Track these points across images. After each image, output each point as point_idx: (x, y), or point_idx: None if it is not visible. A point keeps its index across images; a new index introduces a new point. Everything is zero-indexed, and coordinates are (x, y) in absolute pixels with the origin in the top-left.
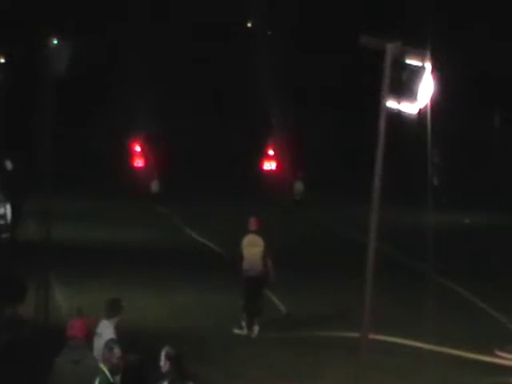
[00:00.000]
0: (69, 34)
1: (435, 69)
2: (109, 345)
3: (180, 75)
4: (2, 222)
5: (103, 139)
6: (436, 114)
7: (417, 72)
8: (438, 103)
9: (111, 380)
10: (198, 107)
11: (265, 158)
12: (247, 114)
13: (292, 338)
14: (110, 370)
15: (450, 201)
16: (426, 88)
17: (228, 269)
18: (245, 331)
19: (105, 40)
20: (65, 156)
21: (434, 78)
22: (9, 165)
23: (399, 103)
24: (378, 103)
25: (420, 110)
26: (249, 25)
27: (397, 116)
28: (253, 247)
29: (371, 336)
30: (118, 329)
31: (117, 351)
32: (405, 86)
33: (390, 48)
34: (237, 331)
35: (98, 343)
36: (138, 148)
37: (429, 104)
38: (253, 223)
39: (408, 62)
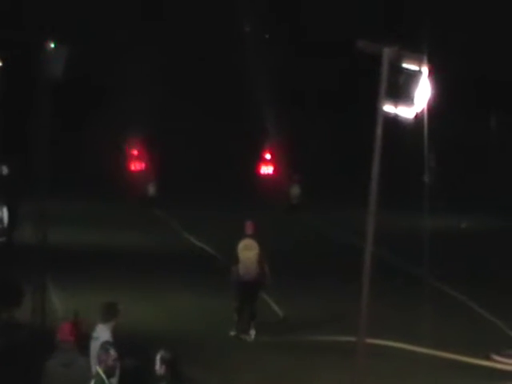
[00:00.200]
0: (65, 37)
1: (432, 72)
2: (105, 346)
3: (177, 78)
4: None
5: (99, 142)
6: (432, 117)
7: (414, 76)
8: (434, 107)
9: (106, 382)
10: (195, 110)
11: (261, 161)
12: (244, 118)
13: (288, 342)
14: (105, 372)
15: (446, 205)
16: (423, 92)
17: (225, 273)
18: (233, 333)
19: (100, 44)
20: (61, 159)
21: (430, 82)
22: (4, 170)
23: (396, 107)
24: (374, 107)
25: (417, 114)
26: (246, 28)
27: (394, 120)
28: (248, 251)
29: (367, 340)
30: (114, 332)
31: (112, 353)
32: (402, 91)
33: (387, 52)
34: (233, 333)
35: (95, 347)
36: (134, 151)
37: (426, 108)
38: (249, 227)
39: (405, 66)
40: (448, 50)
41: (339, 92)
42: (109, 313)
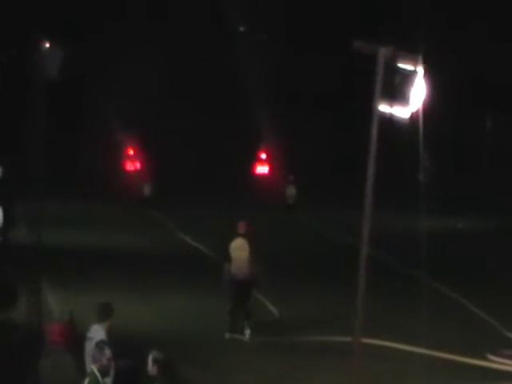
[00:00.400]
0: (61, 37)
1: (427, 72)
2: (99, 345)
3: (173, 79)
4: None
5: (95, 142)
6: (428, 117)
7: (409, 76)
8: (430, 107)
9: (100, 380)
10: (191, 110)
11: (257, 161)
12: (240, 118)
13: (284, 343)
14: (99, 371)
15: (442, 205)
16: (418, 92)
17: (220, 273)
18: (228, 335)
19: (96, 43)
20: (57, 160)
21: (426, 82)
22: None
23: (392, 107)
24: (370, 107)
25: (412, 113)
26: (241, 28)
27: (389, 120)
28: (240, 251)
29: (365, 340)
30: (109, 333)
31: (107, 352)
32: (397, 90)
33: (383, 52)
34: (228, 336)
35: (90, 347)
36: (130, 151)
37: (421, 108)
38: (241, 227)
39: (400, 66)
40: (444, 50)
41: (336, 92)
42: (103, 313)
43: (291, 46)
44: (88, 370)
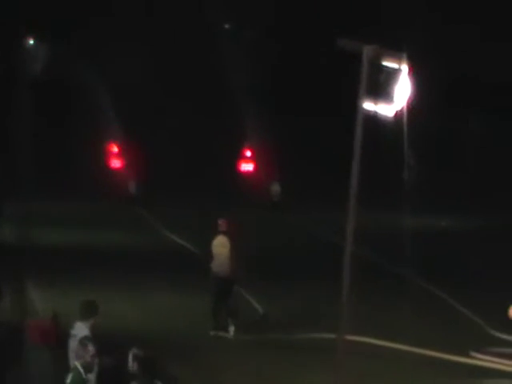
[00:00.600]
0: (47, 35)
1: (412, 70)
2: (83, 342)
3: (161, 76)
4: None
5: (80, 140)
6: (413, 115)
7: (393, 74)
8: (414, 105)
9: (84, 376)
10: (176, 108)
11: (242, 159)
12: (225, 115)
13: (270, 340)
14: (83, 367)
15: (426, 203)
16: (403, 90)
17: (205, 270)
18: (212, 332)
19: (83, 39)
20: (42, 157)
21: (410, 80)
22: None
23: (376, 105)
24: (355, 105)
25: (397, 112)
26: (226, 26)
27: (373, 118)
28: (222, 248)
29: (349, 338)
30: (94, 331)
31: (91, 349)
32: (382, 88)
33: (367, 50)
34: (212, 333)
35: (73, 344)
36: (116, 149)
37: (406, 106)
38: (222, 224)
39: (385, 64)
40: (428, 48)
41: (320, 90)
42: (87, 311)
43: (280, 44)
44: (72, 365)
